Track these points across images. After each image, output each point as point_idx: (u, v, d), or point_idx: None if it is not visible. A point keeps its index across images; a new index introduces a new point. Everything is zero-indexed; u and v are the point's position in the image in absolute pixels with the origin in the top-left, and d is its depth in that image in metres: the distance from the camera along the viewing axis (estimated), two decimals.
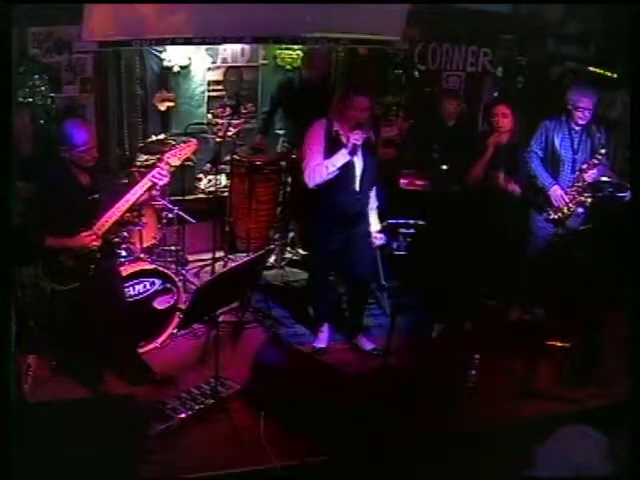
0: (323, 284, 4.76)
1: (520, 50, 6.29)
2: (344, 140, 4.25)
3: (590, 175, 4.71)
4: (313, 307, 4.88)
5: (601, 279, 4.68)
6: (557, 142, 4.78)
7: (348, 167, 4.26)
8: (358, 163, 4.32)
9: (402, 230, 4.23)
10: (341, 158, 4.20)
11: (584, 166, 4.72)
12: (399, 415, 4.03)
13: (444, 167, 5.05)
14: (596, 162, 4.69)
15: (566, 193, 4.78)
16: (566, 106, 4.72)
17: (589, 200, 4.79)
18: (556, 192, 4.79)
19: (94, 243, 3.81)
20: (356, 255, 4.51)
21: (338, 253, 4.49)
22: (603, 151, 4.68)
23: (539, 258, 4.90)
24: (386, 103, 6.04)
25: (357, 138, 4.16)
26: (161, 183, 3.98)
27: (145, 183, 3.91)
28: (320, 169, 4.22)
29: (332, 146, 4.25)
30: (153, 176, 3.91)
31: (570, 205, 4.79)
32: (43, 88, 5.06)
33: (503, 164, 4.91)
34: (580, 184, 4.75)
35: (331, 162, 4.21)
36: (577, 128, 4.73)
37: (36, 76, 5.01)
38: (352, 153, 4.19)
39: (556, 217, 4.84)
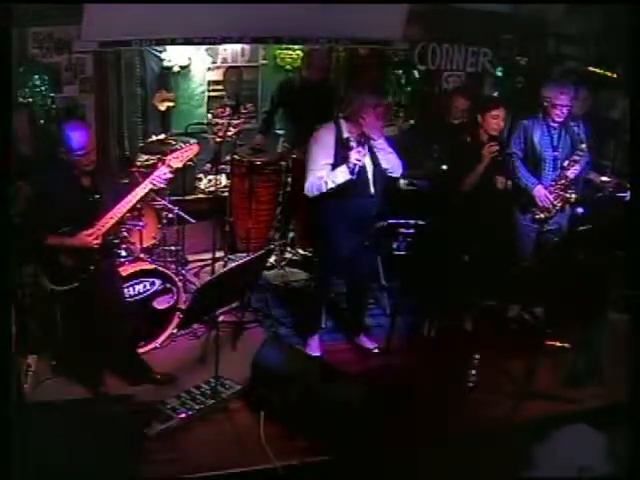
0: (327, 289, 4.68)
1: (520, 50, 6.29)
2: (354, 145, 4.12)
3: (572, 171, 4.68)
4: (312, 313, 4.77)
5: (600, 279, 4.69)
6: (536, 140, 4.74)
7: (361, 172, 4.16)
8: (369, 167, 4.24)
9: (402, 230, 4.22)
10: (341, 176, 4.09)
11: (565, 163, 4.70)
12: (399, 415, 4.03)
13: (444, 167, 5.05)
14: (577, 158, 4.66)
15: (550, 192, 4.75)
16: (542, 103, 4.69)
17: (574, 197, 4.77)
18: (540, 192, 4.74)
19: (95, 242, 3.81)
20: (361, 256, 4.45)
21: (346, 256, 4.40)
22: (583, 146, 4.65)
23: (532, 258, 4.88)
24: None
25: (359, 158, 4.06)
26: (161, 186, 3.98)
27: (146, 185, 3.90)
28: (320, 183, 4.14)
29: (343, 152, 4.14)
30: (153, 179, 3.91)
31: (555, 203, 4.77)
32: (43, 88, 5.06)
33: (501, 168, 4.90)
34: (563, 181, 4.72)
35: (331, 178, 4.12)
36: (555, 125, 4.69)
37: (36, 76, 5.01)
38: (353, 172, 4.07)
39: (543, 216, 4.81)
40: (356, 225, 4.27)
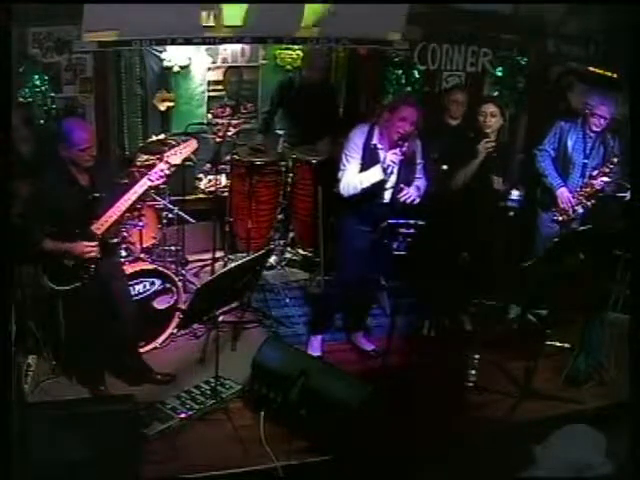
0: (342, 289, 4.61)
1: (520, 50, 6.29)
2: (381, 155, 4.13)
3: (599, 182, 4.69)
4: (324, 312, 4.78)
5: (600, 279, 4.69)
6: (570, 144, 4.76)
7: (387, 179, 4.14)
8: (392, 177, 4.18)
9: (402, 230, 4.21)
10: (374, 176, 4.09)
11: (594, 172, 4.72)
12: (399, 415, 4.03)
13: (444, 167, 5.04)
14: (607, 170, 4.67)
15: (573, 197, 4.76)
16: (583, 110, 4.70)
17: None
18: (563, 194, 4.77)
19: (92, 254, 3.81)
20: (373, 258, 4.42)
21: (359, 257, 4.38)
22: (615, 160, 4.65)
23: (544, 258, 4.88)
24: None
25: (394, 159, 4.04)
26: (159, 183, 3.98)
27: (144, 183, 3.91)
28: (354, 182, 4.14)
29: (369, 158, 4.15)
30: (151, 175, 3.91)
31: (576, 208, 4.78)
32: (43, 88, 5.05)
33: (498, 165, 4.90)
34: (588, 189, 4.73)
35: (365, 177, 4.11)
36: (591, 134, 4.71)
37: (36, 76, 5.01)
38: (386, 173, 4.07)
39: (561, 219, 4.83)
40: (366, 228, 4.27)
